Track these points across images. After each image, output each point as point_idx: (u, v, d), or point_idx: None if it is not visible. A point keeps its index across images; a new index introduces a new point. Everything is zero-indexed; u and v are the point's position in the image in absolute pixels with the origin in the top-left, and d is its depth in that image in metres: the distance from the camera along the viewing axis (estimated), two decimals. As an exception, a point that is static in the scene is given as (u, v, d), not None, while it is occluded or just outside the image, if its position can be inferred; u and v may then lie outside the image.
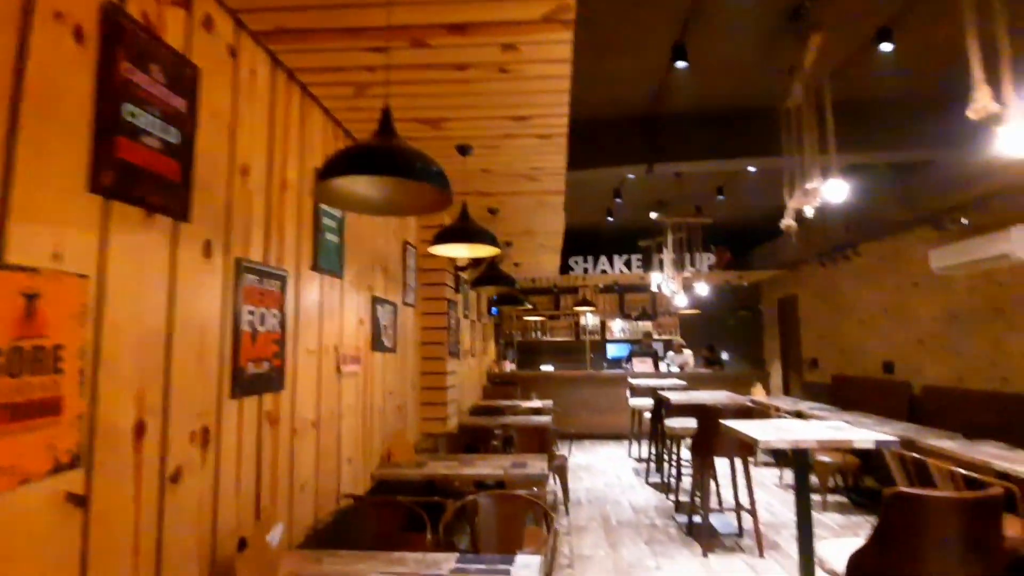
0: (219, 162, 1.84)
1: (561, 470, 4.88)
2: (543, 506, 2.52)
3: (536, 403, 6.76)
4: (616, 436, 8.03)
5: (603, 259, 8.66)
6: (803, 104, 3.09)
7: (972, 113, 1.74)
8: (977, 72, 1.74)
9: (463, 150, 3.03)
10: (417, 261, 4.40)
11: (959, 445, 3.80)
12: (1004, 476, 3.07)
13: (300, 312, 2.38)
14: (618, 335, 10.50)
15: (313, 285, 2.51)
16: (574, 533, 4.27)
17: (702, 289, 6.16)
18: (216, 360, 1.80)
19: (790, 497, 5.17)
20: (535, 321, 10.65)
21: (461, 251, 3.06)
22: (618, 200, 6.59)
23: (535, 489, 3.37)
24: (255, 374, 2.01)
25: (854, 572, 1.72)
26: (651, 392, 5.98)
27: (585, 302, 9.04)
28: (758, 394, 7.14)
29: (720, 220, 7.79)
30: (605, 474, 6.23)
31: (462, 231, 2.89)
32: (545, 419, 5.24)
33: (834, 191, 2.79)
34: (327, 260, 2.65)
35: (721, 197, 6.48)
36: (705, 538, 3.91)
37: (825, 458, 4.76)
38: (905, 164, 4.89)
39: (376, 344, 3.34)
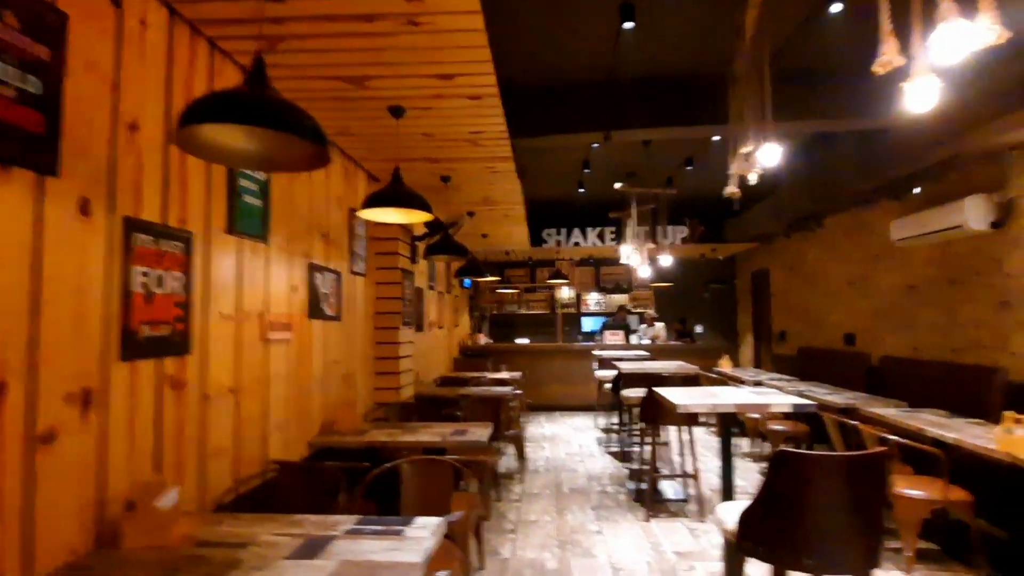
0: (98, 116, 1.76)
1: (517, 440, 4.92)
2: (463, 471, 2.52)
3: (504, 375, 6.79)
4: (586, 408, 8.10)
5: (576, 231, 8.60)
6: (746, 69, 3.01)
7: (878, 67, 1.68)
8: (885, 23, 1.68)
9: (395, 111, 2.94)
10: (368, 230, 4.33)
11: (900, 412, 3.85)
12: (938, 442, 3.11)
13: (212, 276, 2.32)
14: (593, 308, 10.51)
15: (228, 248, 2.45)
16: (525, 500, 4.32)
17: (667, 261, 6.13)
18: (100, 322, 1.74)
19: (745, 464, 5.26)
20: (510, 294, 10.62)
21: (392, 216, 2.99)
22: (587, 171, 6.50)
23: (485, 458, 3.39)
24: (152, 337, 1.96)
25: (744, 529, 1.73)
26: (611, 364, 6.00)
27: (559, 275, 9.02)
28: (725, 366, 7.20)
29: (692, 192, 7.73)
30: (569, 444, 6.30)
31: (393, 195, 2.82)
32: (505, 390, 5.26)
33: (768, 155, 2.74)
34: (246, 223, 2.58)
35: (689, 168, 6.40)
36: (650, 503, 3.97)
37: (778, 427, 4.81)
38: (865, 133, 4.83)
39: (314, 312, 3.29)
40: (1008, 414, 2.76)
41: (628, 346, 8.17)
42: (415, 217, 3.02)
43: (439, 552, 2.32)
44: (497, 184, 4.64)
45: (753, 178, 3.22)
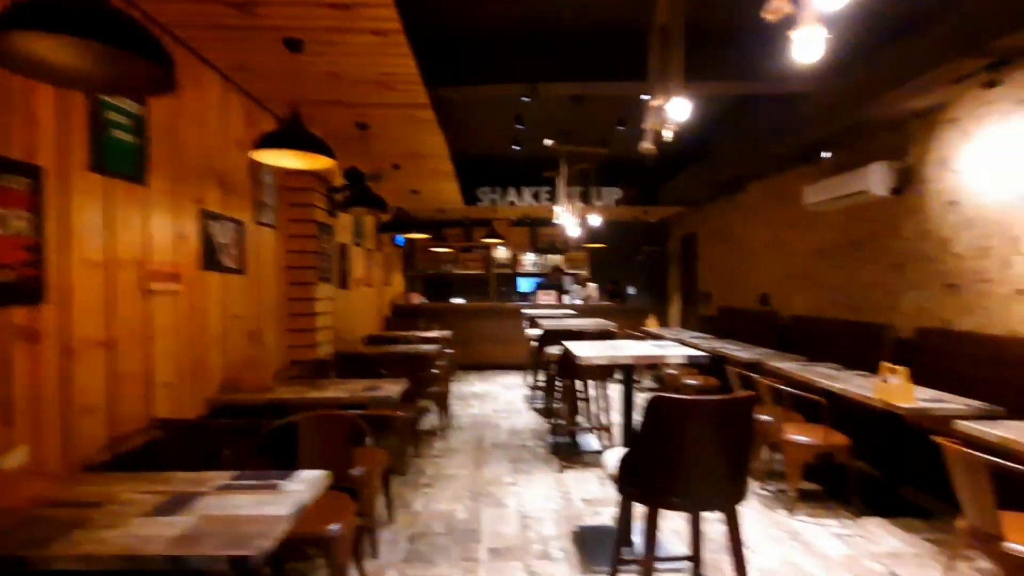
0: None
1: (440, 396, 4.91)
2: (361, 425, 2.46)
3: (433, 334, 6.73)
4: (518, 366, 8.20)
5: (512, 190, 8.49)
6: (661, 23, 2.95)
7: (767, 14, 1.66)
8: (777, -31, 1.66)
9: (292, 44, 2.70)
10: (279, 179, 4.06)
11: (797, 366, 4.10)
12: (825, 392, 3.33)
13: (73, 218, 2.09)
14: (529, 269, 10.54)
15: (93, 188, 2.20)
16: (445, 455, 4.34)
17: (596, 221, 6.17)
18: (-88, 262, 1.52)
19: (662, 418, 5.51)
20: (445, 253, 10.46)
21: (292, 161, 2.79)
22: (520, 127, 6.36)
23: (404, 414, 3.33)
24: (-12, 282, 1.75)
25: (622, 472, 1.77)
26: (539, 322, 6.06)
27: (493, 234, 8.93)
28: (651, 325, 7.43)
29: (626, 154, 7.76)
30: (496, 401, 6.37)
31: (289, 136, 2.62)
32: (430, 348, 5.21)
33: (678, 110, 2.73)
34: (117, 162, 2.33)
35: (621, 128, 6.39)
36: (565, 456, 4.08)
37: (691, 381, 5.03)
38: (785, 98, 4.94)
39: (209, 263, 3.07)
40: (884, 365, 2.97)
41: (560, 306, 8.27)
42: (317, 163, 2.83)
43: (331, 505, 2.28)
44: (420, 136, 4.45)
45: (668, 135, 3.22)
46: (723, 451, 1.69)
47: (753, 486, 3.65)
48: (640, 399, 5.70)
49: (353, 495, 2.65)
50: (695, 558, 2.09)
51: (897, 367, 2.87)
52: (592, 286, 9.31)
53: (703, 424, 1.66)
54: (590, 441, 4.63)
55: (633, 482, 1.75)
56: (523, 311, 6.62)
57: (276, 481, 1.77)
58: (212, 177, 3.11)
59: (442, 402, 4.92)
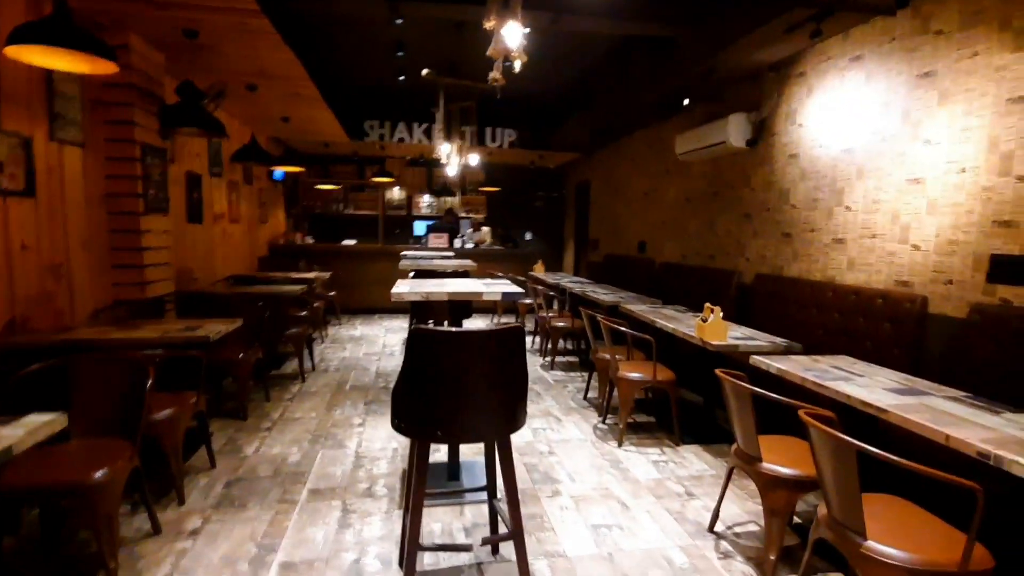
0: None
1: (299, 339, 4.68)
2: (144, 368, 2.23)
3: (311, 275, 6.39)
4: (406, 311, 8.06)
5: (402, 126, 8.04)
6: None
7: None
8: None
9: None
10: (87, 91, 3.49)
11: (647, 308, 4.28)
12: (658, 332, 3.48)
13: None
14: (426, 211, 10.23)
15: None
16: (298, 399, 4.17)
17: (474, 160, 5.99)
18: None
19: (533, 359, 5.63)
20: (334, 192, 9.88)
21: (58, 61, 2.36)
22: (400, 54, 5.94)
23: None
24: None
25: (394, 406, 1.72)
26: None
27: (383, 172, 8.52)
28: (538, 271, 7.51)
29: (520, 94, 7.55)
30: (373, 344, 6.23)
31: (54, 30, 2.18)
32: (293, 288, 4.91)
33: (510, 35, 2.58)
34: None
35: (508, 63, 6.12)
36: (421, 396, 4.06)
37: (560, 323, 5.15)
38: (658, 44, 4.92)
39: (-29, 182, 2.59)
40: (706, 306, 3.13)
41: (450, 250, 8.14)
42: (94, 66, 2.41)
43: (99, 452, 2.07)
44: (264, 51, 3.98)
45: (517, 65, 3.07)
46: (488, 383, 1.67)
47: (594, 421, 3.83)
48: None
49: (153, 442, 2.45)
50: (490, 488, 2.12)
51: (714, 308, 3.03)
52: (485, 230, 9.22)
53: (463, 356, 1.63)
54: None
55: (400, 415, 1.70)
56: (403, 253, 6.40)
57: (-14, 427, 1.54)
58: (-32, 77, 2.57)
59: (302, 345, 4.69)
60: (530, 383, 4.69)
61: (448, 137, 5.68)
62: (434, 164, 10.06)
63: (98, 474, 1.91)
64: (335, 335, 6.68)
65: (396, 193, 10.13)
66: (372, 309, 8.34)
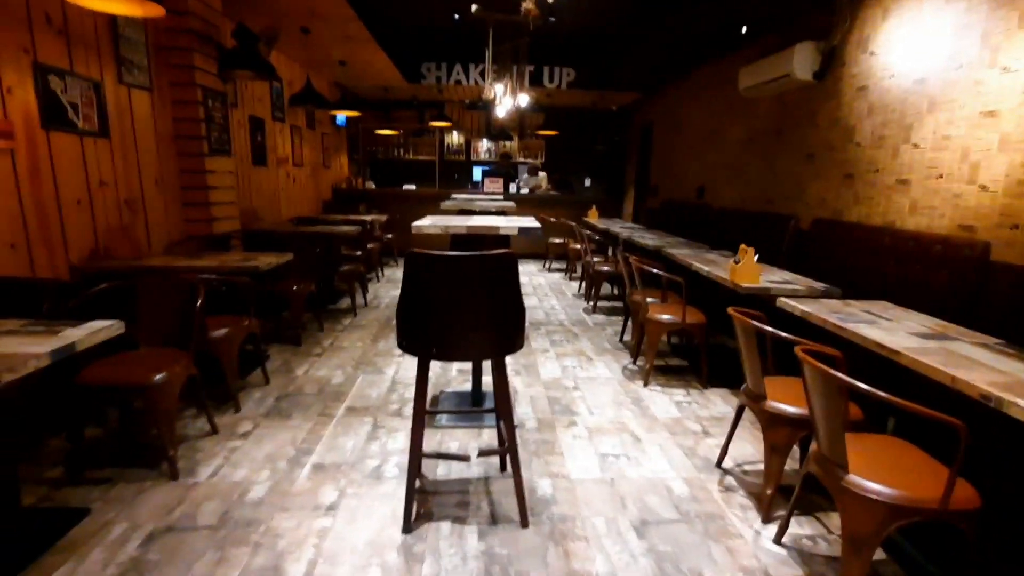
0: None
1: (350, 277, 4.97)
2: (199, 288, 2.49)
3: (368, 218, 6.67)
4: (461, 254, 8.26)
5: (458, 67, 7.98)
6: None
7: None
8: None
9: None
10: (152, 36, 3.75)
11: (689, 251, 4.16)
12: (693, 275, 3.41)
13: None
14: (484, 156, 10.24)
15: None
16: (348, 330, 4.48)
17: (524, 101, 5.87)
18: None
19: (578, 302, 5.66)
20: (394, 137, 10.06)
21: (112, 5, 2.55)
22: (451, -8, 5.84)
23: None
24: None
25: (398, 328, 1.85)
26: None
27: (441, 116, 8.55)
28: (592, 217, 7.41)
29: (577, 28, 7.23)
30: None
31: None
32: (348, 229, 5.17)
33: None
34: None
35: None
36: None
37: (604, 268, 5.12)
38: (722, -35, 4.52)
39: (53, 123, 2.91)
40: (742, 247, 3.01)
41: (501, 195, 8.16)
42: (146, 9, 2.59)
43: (160, 359, 2.37)
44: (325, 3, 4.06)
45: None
46: (480, 305, 1.75)
47: (625, 362, 3.86)
48: (567, 285, 5.77)
49: (212, 357, 2.76)
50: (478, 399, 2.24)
51: (748, 249, 2.92)
52: (542, 176, 9.13)
53: (454, 279, 1.71)
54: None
55: (403, 335, 1.83)
56: (453, 196, 6.50)
57: (61, 328, 1.82)
58: (46, 26, 2.85)
59: (354, 283, 4.99)
60: (569, 325, 4.76)
61: (499, 76, 5.60)
62: (491, 107, 9.97)
63: (157, 377, 2.21)
64: (390, 276, 7.00)
65: (455, 138, 10.18)
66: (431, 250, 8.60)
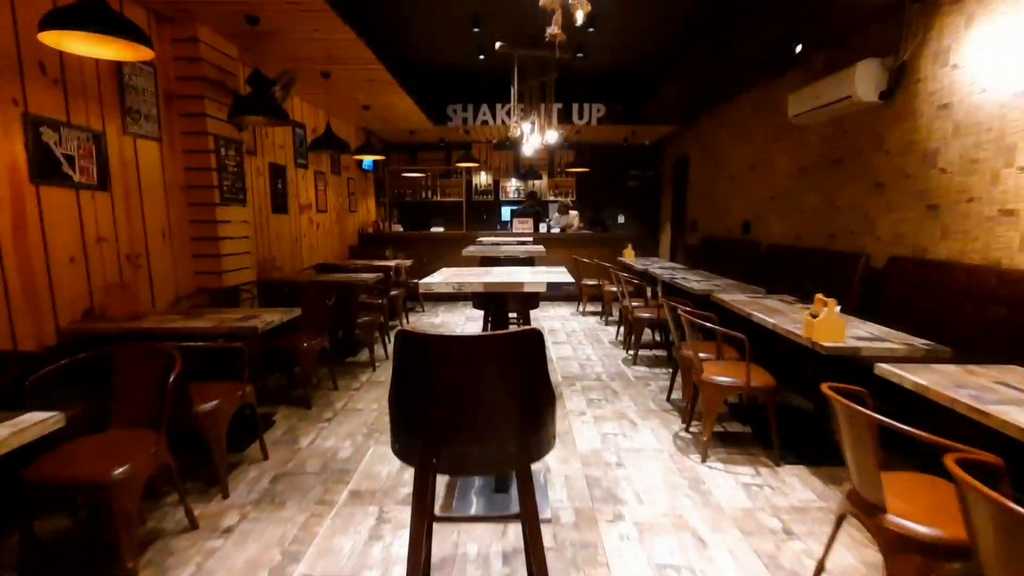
0: None
1: (369, 327, 4.63)
2: (176, 357, 2.15)
3: (391, 263, 6.41)
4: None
5: (484, 107, 7.81)
6: None
7: None
8: None
9: None
10: (161, 83, 3.60)
11: (746, 298, 3.65)
12: (756, 328, 2.90)
13: None
14: (514, 196, 9.96)
15: None
16: (365, 388, 4.10)
17: (552, 137, 5.55)
18: None
19: (616, 351, 5.15)
20: (421, 179, 9.92)
21: (95, 48, 2.33)
22: (476, 30, 5.66)
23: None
24: None
25: (392, 424, 1.42)
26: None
27: (468, 158, 8.36)
28: (628, 256, 6.97)
29: (606, 64, 6.97)
30: (445, 330, 6.10)
31: (82, 14, 2.15)
32: (368, 276, 4.87)
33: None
34: None
35: (592, 29, 5.63)
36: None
37: (644, 314, 4.63)
38: (765, -15, 4.16)
39: (44, 177, 2.70)
40: (818, 297, 2.51)
41: (530, 235, 7.81)
42: (127, 52, 2.37)
43: (125, 444, 2.01)
44: (324, 31, 3.87)
45: (580, 17, 2.64)
46: (498, 401, 1.32)
47: (675, 428, 3.32)
48: (603, 330, 5.30)
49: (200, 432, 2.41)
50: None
51: (828, 300, 2.41)
52: (573, 214, 8.76)
53: (462, 366, 1.28)
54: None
55: (396, 437, 1.40)
56: (479, 240, 6.16)
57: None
58: (37, 74, 2.67)
59: (372, 334, 4.64)
60: (608, 380, 4.26)
61: (526, 115, 5.32)
62: (518, 145, 9.74)
63: (116, 472, 1.85)
64: (416, 322, 6.66)
65: (483, 178, 9.98)
66: (455, 296, 8.27)
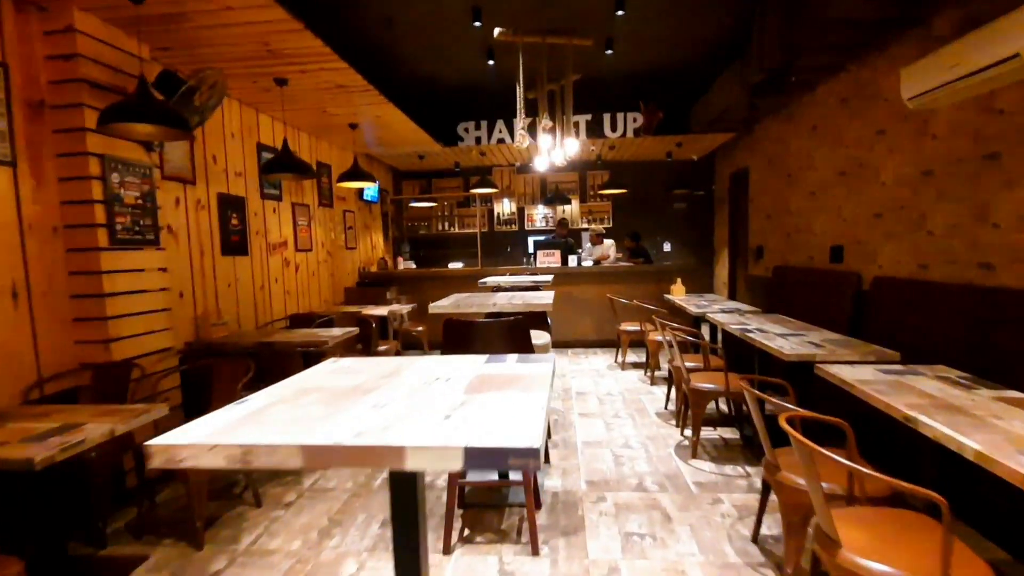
0: None
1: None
2: None
3: (382, 310, 5.32)
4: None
5: (500, 124, 6.71)
6: None
7: None
8: None
9: None
10: (21, 88, 2.63)
11: (883, 372, 2.24)
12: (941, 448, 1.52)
13: None
14: (540, 223, 8.74)
15: None
16: (297, 508, 2.88)
17: (573, 148, 4.34)
18: None
19: (655, 431, 3.76)
20: (435, 209, 8.87)
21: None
22: (477, 24, 4.59)
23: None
24: None
25: None
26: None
27: (486, 183, 7.26)
28: (677, 293, 5.60)
29: (647, 66, 5.77)
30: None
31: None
32: (332, 334, 3.74)
33: None
34: None
35: (620, 12, 4.45)
36: (466, 518, 2.50)
37: (705, 384, 3.25)
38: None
39: None
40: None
41: (552, 271, 6.56)
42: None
43: None
44: (251, 13, 2.85)
45: None
46: None
47: (778, 614, 1.92)
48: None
49: None
50: None
51: None
52: (608, 244, 7.46)
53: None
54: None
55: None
56: (480, 282, 4.96)
57: None
58: None
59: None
60: (655, 487, 2.89)
61: (550, 120, 4.15)
62: (532, 164, 8.56)
63: None
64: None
65: (505, 206, 8.84)
66: (467, 341, 7.05)
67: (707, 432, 3.68)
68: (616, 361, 5.93)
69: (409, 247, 8.93)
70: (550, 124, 4.21)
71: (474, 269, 7.11)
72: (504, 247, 8.90)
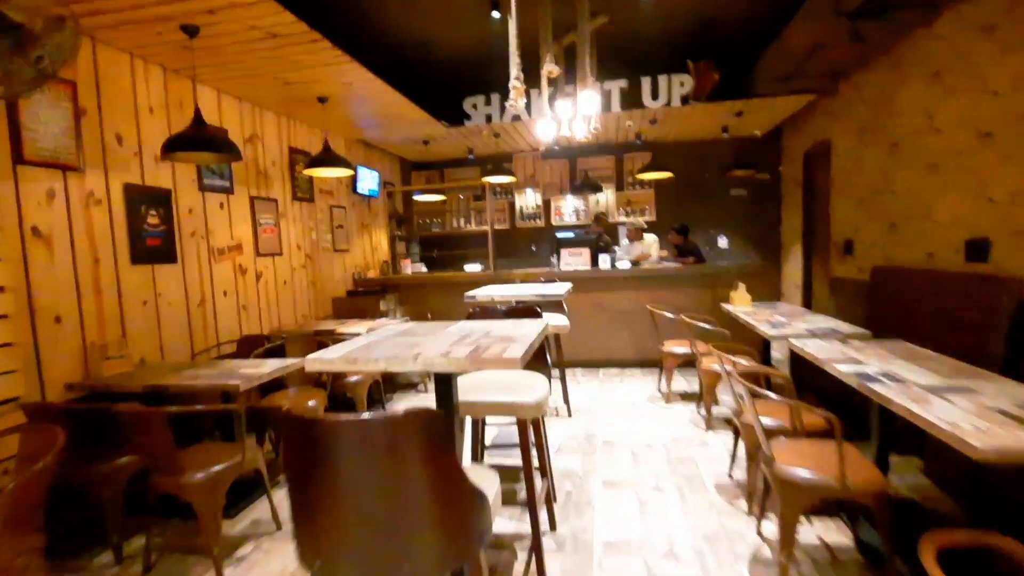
0: None
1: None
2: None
3: (369, 324, 4.34)
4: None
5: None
6: None
7: None
8: None
9: None
10: None
11: None
12: None
13: None
14: (569, 218, 7.51)
15: None
16: (272, 547, 1.87)
17: (593, 105, 3.16)
18: None
19: (719, 520, 2.53)
20: (447, 203, 7.78)
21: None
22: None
23: None
24: None
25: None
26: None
27: (501, 170, 6.14)
28: (739, 302, 4.28)
29: (688, 8, 4.50)
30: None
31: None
32: (277, 364, 2.73)
33: None
34: None
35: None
36: None
37: (802, 474, 2.01)
38: None
39: None
40: None
41: (596, 271, 5.36)
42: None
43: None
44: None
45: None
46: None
47: None
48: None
49: None
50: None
51: None
52: (649, 240, 6.17)
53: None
54: None
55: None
56: (472, 295, 3.78)
57: None
58: None
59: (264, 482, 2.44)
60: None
61: (555, 85, 3.00)
62: (579, 153, 7.33)
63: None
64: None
65: (529, 198, 7.67)
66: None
67: (802, 531, 2.42)
68: (659, 391, 4.67)
69: (420, 248, 7.91)
70: (557, 71, 3.04)
71: (484, 273, 6.00)
72: (527, 246, 7.74)
